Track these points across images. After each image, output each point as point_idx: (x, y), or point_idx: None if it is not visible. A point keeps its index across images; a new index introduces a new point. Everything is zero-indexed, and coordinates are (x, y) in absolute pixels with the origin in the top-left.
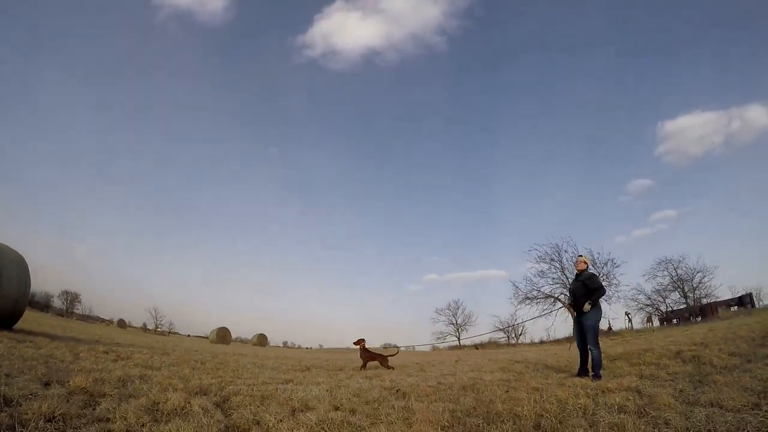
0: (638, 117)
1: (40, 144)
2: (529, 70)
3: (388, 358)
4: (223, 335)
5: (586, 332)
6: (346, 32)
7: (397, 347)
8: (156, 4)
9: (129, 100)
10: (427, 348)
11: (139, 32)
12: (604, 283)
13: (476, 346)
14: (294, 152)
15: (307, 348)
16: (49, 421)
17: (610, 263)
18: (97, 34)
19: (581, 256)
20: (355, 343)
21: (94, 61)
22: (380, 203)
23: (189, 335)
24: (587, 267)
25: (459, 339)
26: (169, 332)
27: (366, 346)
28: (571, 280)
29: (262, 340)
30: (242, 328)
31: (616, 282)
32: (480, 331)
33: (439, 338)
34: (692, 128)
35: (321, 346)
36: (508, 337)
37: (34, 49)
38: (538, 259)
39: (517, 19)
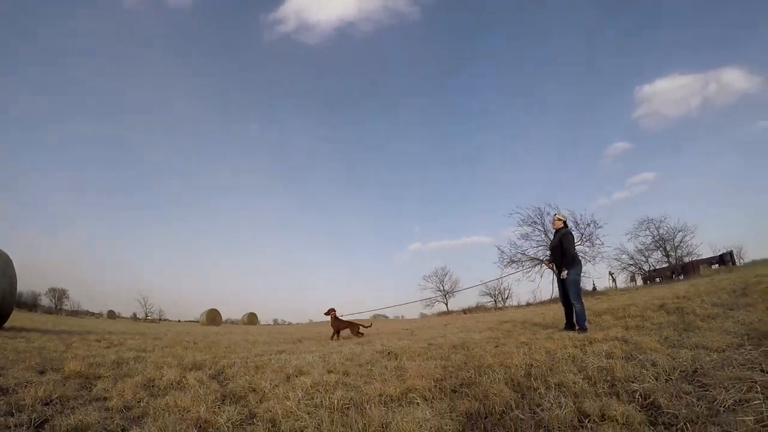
0: (616, 80)
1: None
2: (505, 36)
3: (360, 327)
4: (213, 317)
5: (567, 288)
6: (318, 6)
7: (371, 322)
8: None
9: (101, 87)
10: (416, 315)
11: (108, 18)
12: (586, 244)
13: (464, 311)
14: (274, 127)
15: (297, 323)
16: (47, 404)
17: (592, 224)
18: (66, 24)
19: (556, 214)
20: (325, 313)
21: (65, 52)
22: (360, 174)
23: (179, 320)
24: (564, 225)
25: (447, 305)
26: (160, 319)
27: (336, 315)
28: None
29: (252, 318)
30: (232, 310)
31: (600, 242)
32: (468, 296)
33: (427, 305)
34: (669, 91)
35: (311, 320)
36: (495, 301)
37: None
38: (521, 223)
39: None
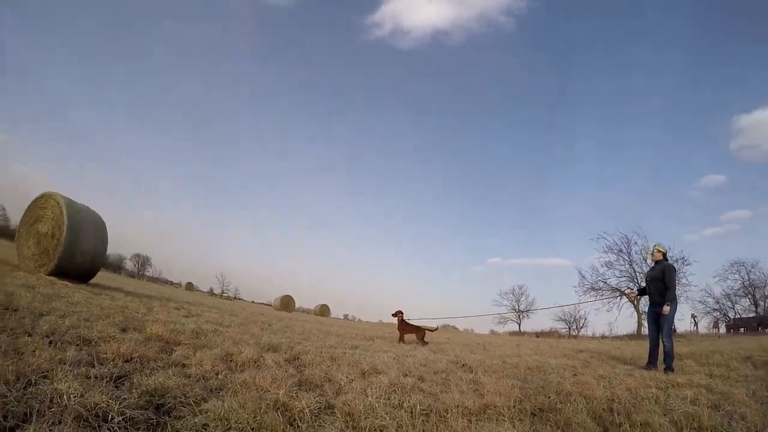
0: (713, 109)
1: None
2: (599, 55)
3: (425, 332)
4: (286, 303)
5: (661, 323)
6: (414, 12)
7: (437, 327)
8: None
9: (200, 75)
10: (486, 331)
11: (207, 12)
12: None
13: (536, 334)
14: (365, 127)
15: (367, 321)
16: (127, 361)
17: (681, 261)
18: (163, 20)
19: (657, 245)
20: (393, 315)
21: (163, 43)
22: (447, 181)
23: (253, 301)
24: (664, 257)
25: (519, 325)
26: (235, 297)
27: (404, 318)
28: (639, 274)
29: (324, 310)
30: (304, 299)
31: (686, 281)
32: (541, 319)
33: (500, 321)
34: None
35: (381, 320)
36: (570, 328)
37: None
38: (606, 249)
39: (587, 4)
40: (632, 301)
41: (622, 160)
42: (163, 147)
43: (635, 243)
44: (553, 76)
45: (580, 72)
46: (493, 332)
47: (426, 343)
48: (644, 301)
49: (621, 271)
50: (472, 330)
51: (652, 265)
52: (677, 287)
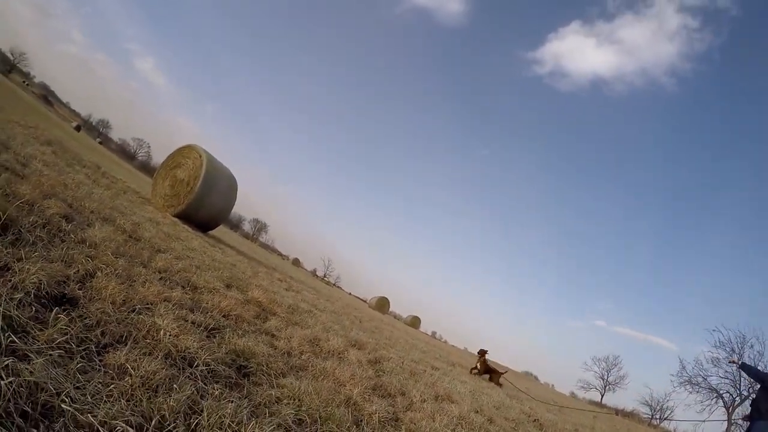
0: None
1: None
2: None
3: (502, 376)
4: (382, 304)
5: None
6: (578, 56)
7: (506, 369)
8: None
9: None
10: (566, 390)
11: (380, 23)
12: None
13: (617, 411)
14: (503, 157)
15: (453, 345)
16: (224, 316)
17: None
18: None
19: None
20: (479, 353)
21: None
22: (578, 233)
23: (350, 293)
24: None
25: (602, 396)
26: (334, 284)
27: (487, 359)
28: (743, 379)
29: (415, 322)
30: (398, 305)
31: None
32: (625, 396)
33: (582, 386)
34: None
35: (466, 348)
36: (652, 416)
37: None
38: (717, 344)
39: (759, 68)
40: (727, 408)
41: (762, 253)
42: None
43: (750, 345)
44: (708, 145)
45: (738, 143)
46: (573, 395)
47: (501, 385)
48: (739, 411)
49: (726, 371)
50: (552, 386)
51: None
52: None
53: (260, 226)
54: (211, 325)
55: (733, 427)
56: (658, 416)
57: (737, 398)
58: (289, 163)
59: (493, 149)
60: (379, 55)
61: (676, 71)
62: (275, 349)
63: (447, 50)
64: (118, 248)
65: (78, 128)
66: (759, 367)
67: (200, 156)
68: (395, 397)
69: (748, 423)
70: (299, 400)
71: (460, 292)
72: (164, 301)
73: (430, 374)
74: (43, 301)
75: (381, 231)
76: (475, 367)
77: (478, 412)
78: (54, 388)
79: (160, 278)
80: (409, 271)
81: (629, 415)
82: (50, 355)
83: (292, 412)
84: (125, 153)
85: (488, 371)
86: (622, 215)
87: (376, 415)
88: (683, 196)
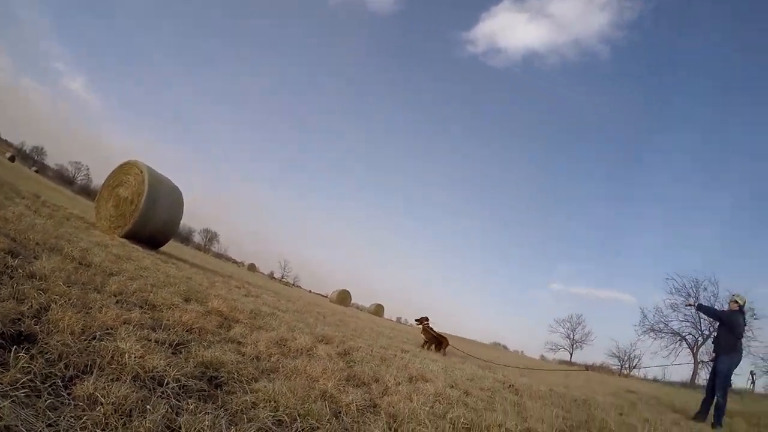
0: None
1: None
2: (694, 92)
3: (448, 343)
4: (343, 297)
5: (716, 376)
6: (510, 32)
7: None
8: None
9: (297, 75)
10: (536, 355)
11: (312, 17)
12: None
13: (587, 367)
14: (449, 140)
15: (419, 327)
16: (188, 331)
17: (749, 312)
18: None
19: (735, 295)
20: (417, 321)
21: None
22: (523, 203)
23: (310, 291)
24: (740, 309)
25: (571, 355)
26: (293, 284)
27: (429, 327)
28: (703, 321)
29: (378, 310)
30: (359, 295)
31: (751, 335)
32: (593, 352)
33: (551, 348)
34: None
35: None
36: (621, 366)
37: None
38: (674, 291)
39: (688, 35)
40: (691, 348)
41: (707, 200)
42: (253, 139)
43: (704, 289)
44: (642, 107)
45: (671, 104)
46: (543, 358)
47: (444, 354)
48: (703, 350)
49: (685, 314)
50: (522, 352)
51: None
52: (743, 339)
53: (211, 236)
54: (176, 341)
55: (699, 366)
56: (627, 366)
57: (699, 338)
58: (234, 167)
59: (436, 129)
60: (312, 48)
61: (609, 40)
62: (243, 355)
63: (381, 38)
64: (69, 277)
65: (12, 158)
66: (716, 307)
67: (141, 171)
68: (370, 384)
69: (713, 359)
70: (275, 401)
71: (423, 275)
72: (124, 323)
73: (401, 358)
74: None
75: (336, 222)
76: (426, 342)
77: (453, 386)
78: (26, 430)
79: (117, 301)
80: (364, 259)
81: (599, 368)
82: (16, 396)
83: (270, 414)
84: (64, 179)
85: (435, 340)
86: (564, 180)
87: (354, 404)
88: (622, 157)
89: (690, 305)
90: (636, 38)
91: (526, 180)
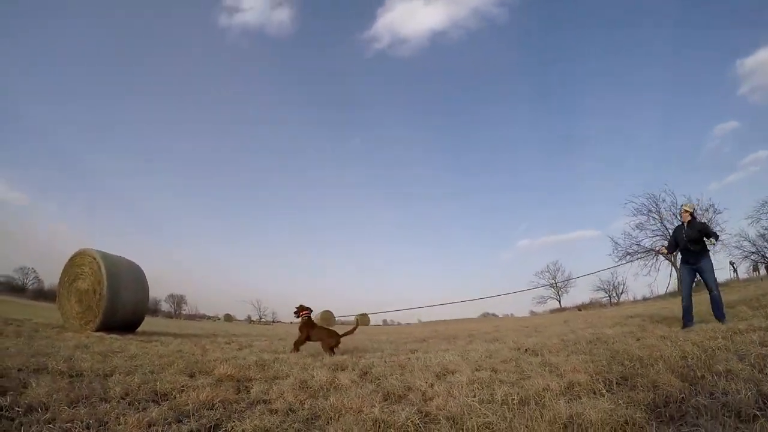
0: (713, 57)
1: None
2: (595, 25)
3: (339, 337)
4: (326, 318)
5: (704, 276)
6: (408, 19)
7: (356, 324)
8: (224, 26)
9: (210, 108)
10: (526, 313)
11: (213, 53)
12: None
13: (578, 308)
14: (375, 138)
15: (407, 324)
16: (210, 408)
17: (711, 209)
18: (173, 62)
19: (684, 205)
20: (296, 314)
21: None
22: (462, 175)
23: (292, 322)
24: (692, 216)
25: (560, 301)
26: (273, 321)
27: (310, 319)
28: (670, 230)
29: (365, 319)
30: (341, 310)
31: (720, 229)
32: (580, 292)
33: (539, 302)
34: None
35: (419, 320)
36: (610, 297)
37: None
38: (635, 212)
39: None
40: (669, 259)
41: (634, 125)
42: (174, 184)
43: (663, 200)
44: (549, 54)
45: (575, 43)
46: (533, 313)
47: (332, 353)
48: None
49: (653, 230)
50: (512, 315)
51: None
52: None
53: (178, 299)
54: (207, 425)
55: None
56: (615, 295)
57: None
58: (174, 227)
59: (363, 136)
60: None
61: (505, 2)
62: (276, 412)
63: (285, 59)
64: (69, 395)
65: None
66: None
67: (95, 258)
68: (407, 395)
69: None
70: None
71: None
72: (148, 427)
73: (416, 358)
74: None
75: (280, 247)
76: (299, 341)
77: (479, 369)
78: None
79: (128, 404)
80: (335, 272)
81: (590, 306)
82: None
83: None
84: (14, 288)
85: (318, 336)
86: (499, 145)
87: (409, 421)
88: (540, 104)
89: (661, 252)
90: None
91: (453, 155)
